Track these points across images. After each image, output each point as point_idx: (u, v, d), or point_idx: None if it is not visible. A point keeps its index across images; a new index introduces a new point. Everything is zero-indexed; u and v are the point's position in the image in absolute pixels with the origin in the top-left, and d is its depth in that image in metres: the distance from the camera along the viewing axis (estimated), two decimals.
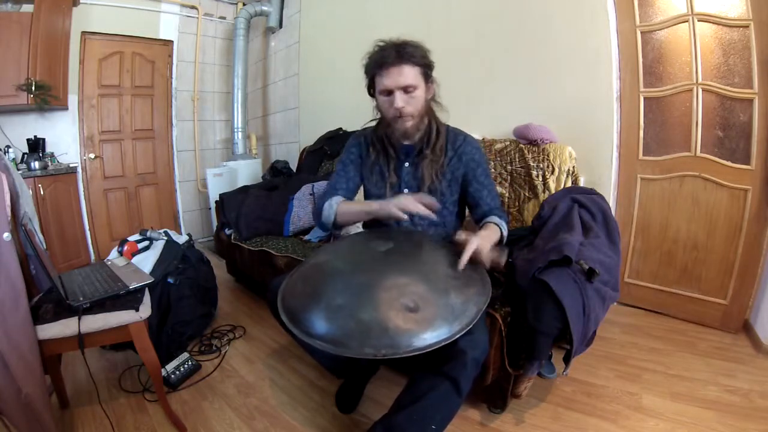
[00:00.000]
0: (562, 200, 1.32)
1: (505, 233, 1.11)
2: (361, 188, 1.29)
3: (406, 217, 1.02)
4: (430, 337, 0.74)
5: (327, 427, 1.22)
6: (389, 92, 1.04)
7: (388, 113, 1.07)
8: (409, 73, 1.02)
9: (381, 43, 1.05)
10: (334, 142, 2.71)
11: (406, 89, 1.03)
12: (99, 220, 3.27)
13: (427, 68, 1.06)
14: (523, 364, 1.11)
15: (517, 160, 1.79)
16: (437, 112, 1.16)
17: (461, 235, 0.94)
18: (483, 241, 0.94)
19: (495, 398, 1.22)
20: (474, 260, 0.92)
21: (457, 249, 0.93)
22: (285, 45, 3.55)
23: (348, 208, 1.14)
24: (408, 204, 1.01)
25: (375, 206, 1.07)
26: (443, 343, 0.75)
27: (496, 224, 1.10)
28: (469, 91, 2.19)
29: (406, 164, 1.17)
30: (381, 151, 1.18)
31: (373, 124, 1.20)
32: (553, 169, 1.67)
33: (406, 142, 1.14)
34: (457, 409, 0.91)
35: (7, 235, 0.97)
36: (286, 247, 1.89)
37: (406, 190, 1.18)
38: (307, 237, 2.09)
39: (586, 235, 1.16)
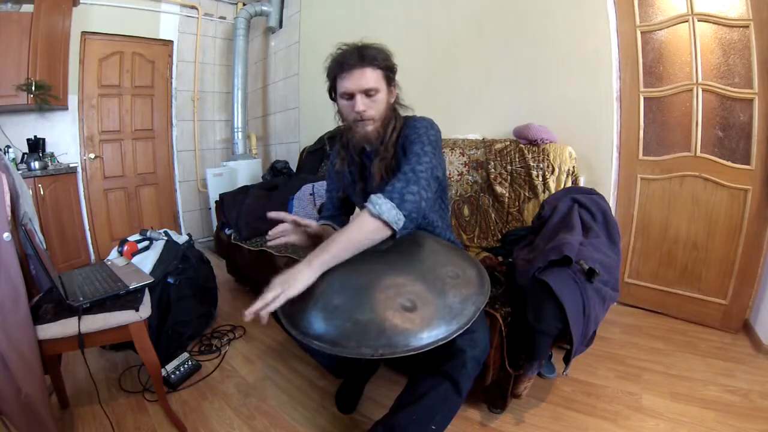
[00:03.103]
0: (562, 200, 1.32)
1: (390, 219, 0.86)
2: None
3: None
4: (428, 336, 0.74)
5: (327, 427, 1.22)
6: (351, 96, 1.01)
7: (349, 117, 1.04)
8: (371, 77, 0.99)
9: (343, 47, 1.03)
10: (334, 142, 2.70)
11: (368, 92, 1.00)
12: (99, 220, 3.27)
13: (389, 71, 1.02)
14: (523, 364, 1.11)
15: (517, 160, 1.79)
16: (403, 113, 1.11)
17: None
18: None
19: (495, 398, 1.22)
20: None
21: (456, 247, 0.93)
22: (285, 45, 3.55)
23: None
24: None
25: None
26: (440, 343, 0.75)
27: (368, 209, 0.87)
28: (469, 91, 2.19)
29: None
30: (346, 157, 1.17)
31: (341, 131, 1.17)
32: (553, 169, 1.67)
33: (367, 148, 1.10)
34: (457, 408, 0.91)
35: (7, 235, 0.97)
36: (286, 247, 1.88)
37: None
38: None
39: (586, 235, 1.16)
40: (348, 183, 1.20)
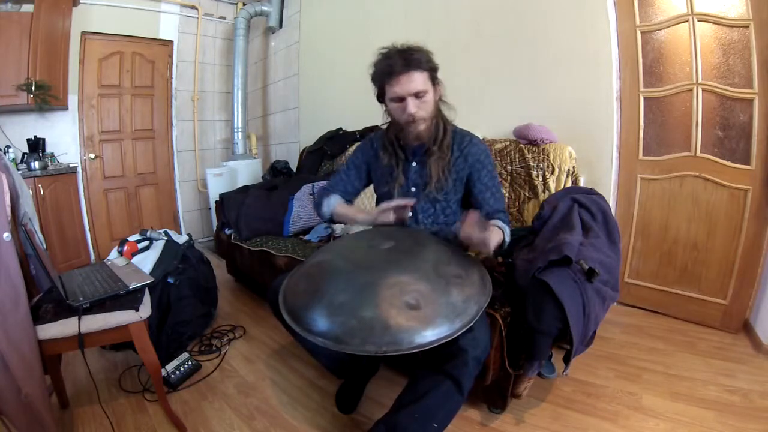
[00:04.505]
0: (562, 200, 1.32)
1: (507, 239, 1.09)
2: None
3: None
4: (432, 334, 0.75)
5: (327, 427, 1.22)
6: (401, 99, 1.05)
7: (401, 119, 1.09)
8: (419, 79, 1.03)
9: (384, 51, 1.06)
10: (334, 142, 2.71)
11: (417, 95, 1.05)
12: (99, 220, 3.27)
13: (433, 71, 1.08)
14: (523, 364, 1.11)
15: (517, 160, 1.78)
16: (445, 111, 1.17)
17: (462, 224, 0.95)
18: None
19: (495, 398, 1.22)
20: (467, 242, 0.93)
21: (457, 248, 0.94)
22: (285, 45, 3.55)
23: (343, 212, 1.26)
24: (380, 216, 1.12)
25: (360, 217, 1.24)
26: (444, 341, 0.75)
27: (498, 227, 1.08)
28: (469, 91, 2.19)
29: (414, 164, 1.19)
30: (392, 153, 1.20)
31: (385, 127, 1.22)
32: (553, 169, 1.67)
33: (417, 143, 1.16)
34: (458, 407, 0.92)
35: (7, 235, 0.97)
36: (286, 247, 1.88)
37: (413, 189, 1.19)
38: (307, 237, 2.09)
39: (586, 235, 1.16)
40: (385, 175, 1.23)
